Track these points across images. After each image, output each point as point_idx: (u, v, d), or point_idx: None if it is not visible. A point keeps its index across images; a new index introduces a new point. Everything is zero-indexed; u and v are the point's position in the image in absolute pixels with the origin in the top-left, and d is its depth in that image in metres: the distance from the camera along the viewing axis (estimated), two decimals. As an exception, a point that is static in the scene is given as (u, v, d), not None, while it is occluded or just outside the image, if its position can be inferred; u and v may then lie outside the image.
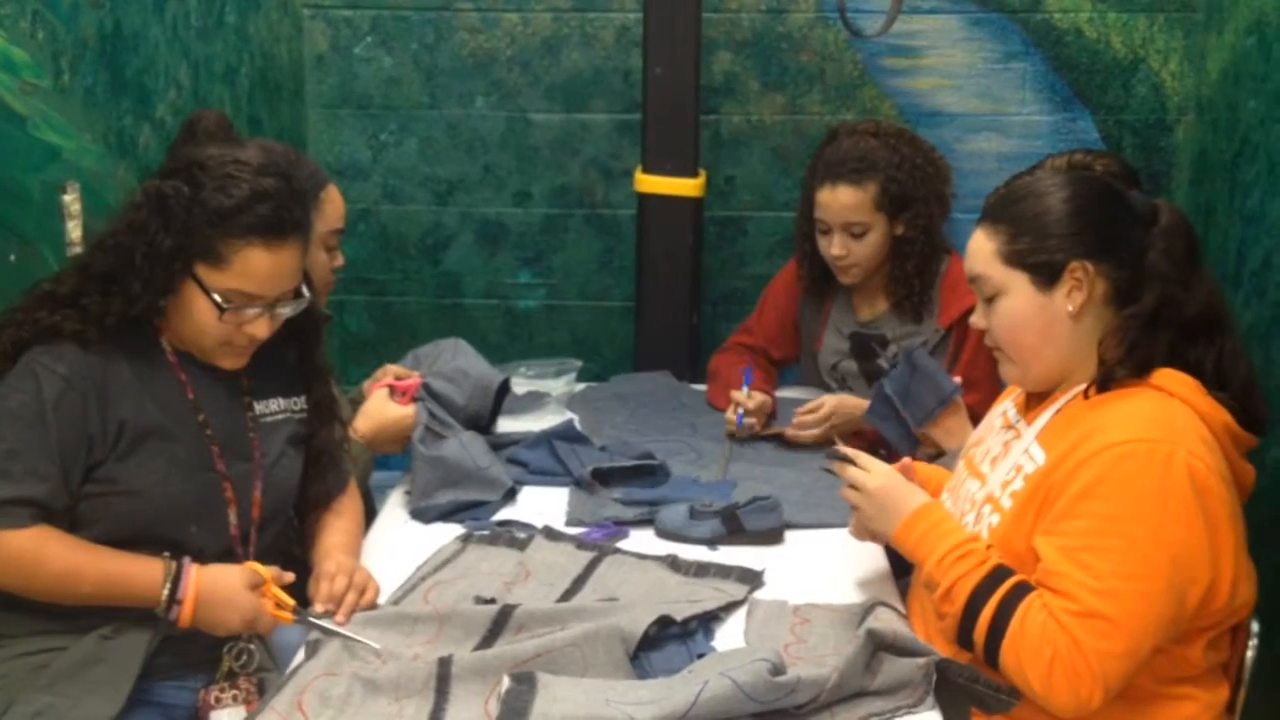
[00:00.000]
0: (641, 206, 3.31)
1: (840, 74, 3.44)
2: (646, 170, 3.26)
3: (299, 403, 2.01)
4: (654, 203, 3.27)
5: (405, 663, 1.67)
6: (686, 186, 3.25)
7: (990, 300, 1.80)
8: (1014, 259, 1.75)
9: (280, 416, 1.97)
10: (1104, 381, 1.71)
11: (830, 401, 2.59)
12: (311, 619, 1.78)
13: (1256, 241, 2.74)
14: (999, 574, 1.68)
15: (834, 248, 2.67)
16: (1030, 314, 1.76)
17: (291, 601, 1.81)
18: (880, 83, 3.44)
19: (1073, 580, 1.60)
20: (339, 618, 1.81)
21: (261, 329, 1.83)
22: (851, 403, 2.59)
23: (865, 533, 1.96)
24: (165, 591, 1.73)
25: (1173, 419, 1.66)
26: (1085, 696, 1.58)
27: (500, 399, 2.59)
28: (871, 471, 1.89)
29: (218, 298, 1.77)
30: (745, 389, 2.64)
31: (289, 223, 1.81)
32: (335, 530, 2.03)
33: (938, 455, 2.28)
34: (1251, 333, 2.67)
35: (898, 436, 2.38)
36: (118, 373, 1.78)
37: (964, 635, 1.69)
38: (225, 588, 1.76)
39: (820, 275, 2.82)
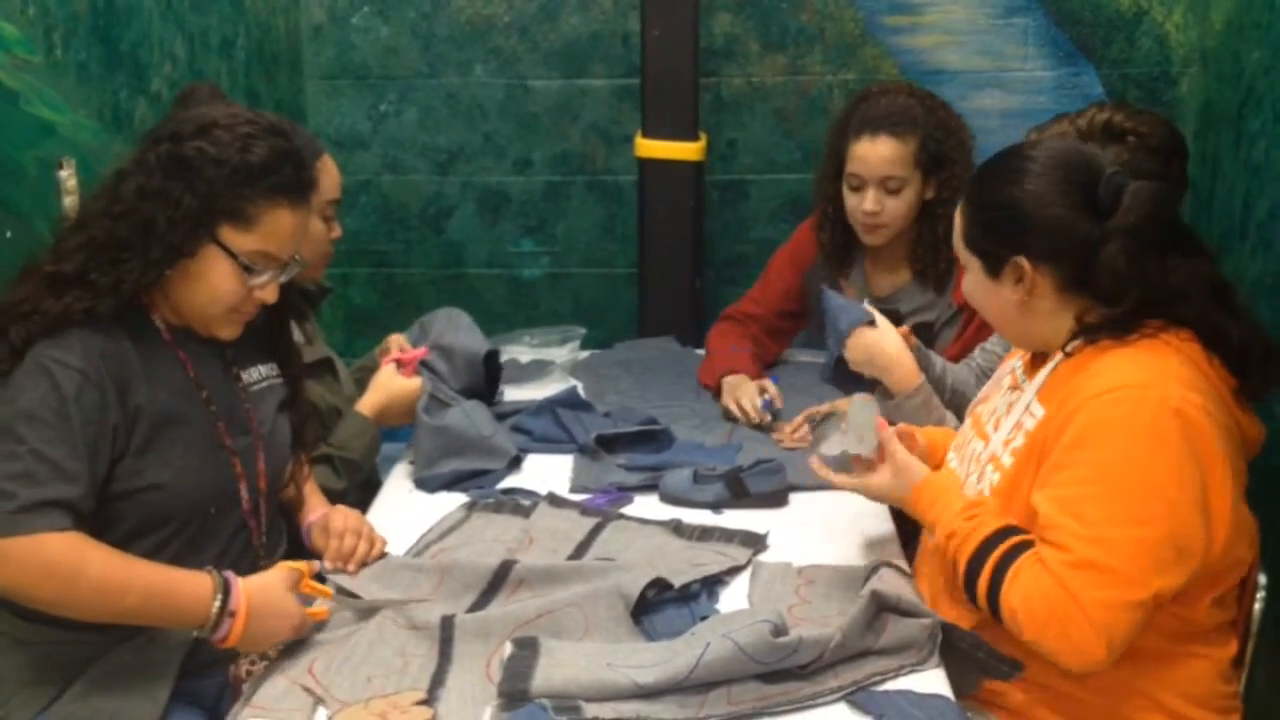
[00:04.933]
0: (642, 172, 3.29)
1: (841, 33, 3.41)
2: (646, 135, 3.25)
3: (275, 368, 2.00)
4: (655, 168, 3.26)
5: (410, 620, 1.70)
6: (687, 150, 3.23)
7: (963, 270, 1.83)
8: (969, 242, 1.77)
9: (265, 384, 1.96)
10: (1089, 334, 1.70)
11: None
12: (350, 601, 1.77)
13: (1262, 192, 2.71)
14: (991, 543, 1.67)
15: (867, 203, 2.58)
16: (983, 296, 1.78)
17: (329, 591, 1.79)
18: (881, 41, 3.41)
19: (1066, 531, 1.59)
20: (350, 568, 1.84)
21: (271, 293, 1.82)
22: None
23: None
24: (216, 604, 1.64)
25: (1164, 362, 1.63)
26: (1087, 648, 1.56)
27: (493, 369, 2.58)
28: (869, 485, 1.89)
29: (243, 259, 1.75)
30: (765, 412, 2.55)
31: (309, 183, 1.82)
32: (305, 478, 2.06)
33: (888, 396, 2.21)
34: (1258, 284, 2.64)
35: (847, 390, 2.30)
36: (126, 358, 1.72)
37: (971, 598, 1.69)
38: (274, 596, 1.69)
39: (842, 240, 2.73)
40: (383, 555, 1.93)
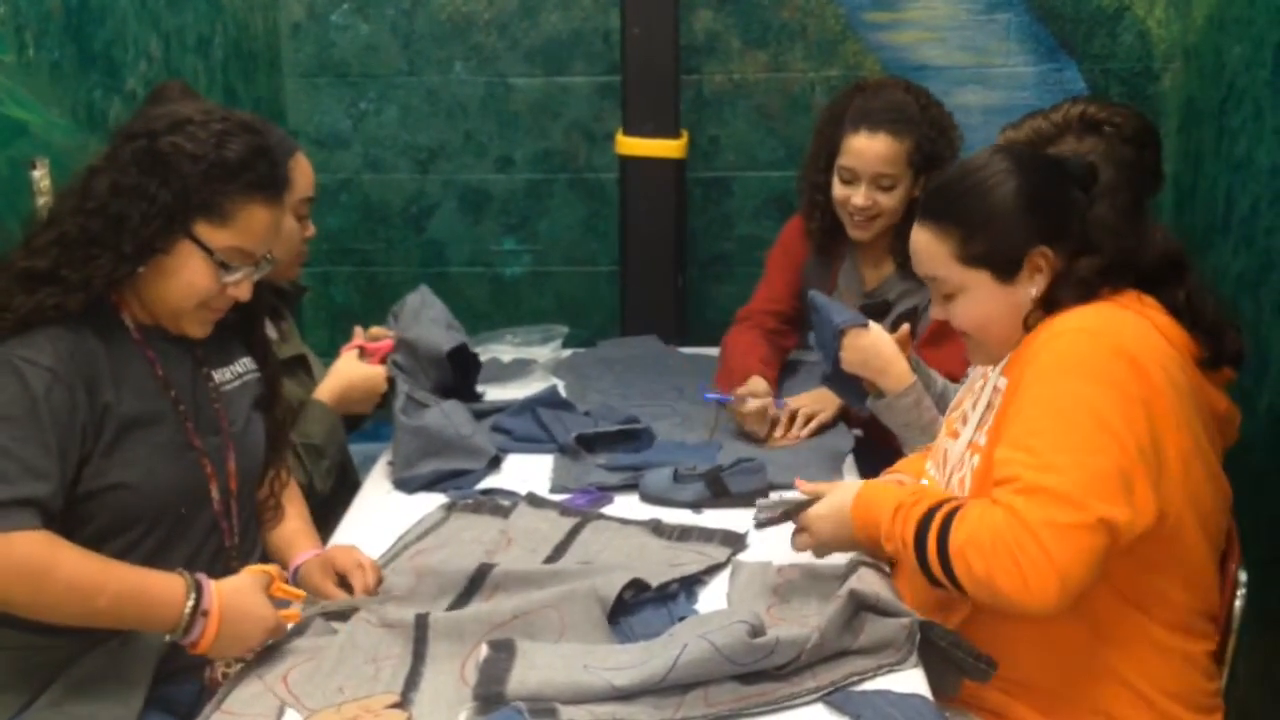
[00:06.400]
0: (624, 169, 3.28)
1: (823, 29, 3.40)
2: (628, 132, 3.23)
3: (247, 364, 1.98)
4: (636, 165, 3.25)
5: (383, 618, 1.69)
6: (668, 148, 3.22)
7: (949, 296, 1.78)
8: (972, 259, 1.74)
9: (238, 383, 1.94)
10: (1048, 307, 1.71)
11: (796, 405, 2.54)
12: (324, 603, 1.77)
13: (1244, 188, 2.71)
14: (937, 505, 1.68)
15: (859, 198, 2.55)
16: (995, 306, 1.75)
17: (301, 594, 1.78)
18: (863, 37, 3.40)
19: (1015, 463, 1.60)
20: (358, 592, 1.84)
21: (245, 290, 1.81)
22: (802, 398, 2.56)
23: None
24: (189, 605, 1.62)
25: (1120, 315, 1.67)
26: (1040, 577, 1.52)
27: (463, 363, 2.56)
28: (810, 514, 1.86)
29: (218, 256, 1.74)
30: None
31: (283, 180, 1.84)
32: (293, 516, 2.02)
33: (878, 396, 2.20)
34: (1240, 281, 2.65)
35: (846, 394, 2.30)
36: (94, 357, 1.71)
37: (924, 567, 1.66)
38: (247, 598, 1.67)
39: (830, 229, 2.71)
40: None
